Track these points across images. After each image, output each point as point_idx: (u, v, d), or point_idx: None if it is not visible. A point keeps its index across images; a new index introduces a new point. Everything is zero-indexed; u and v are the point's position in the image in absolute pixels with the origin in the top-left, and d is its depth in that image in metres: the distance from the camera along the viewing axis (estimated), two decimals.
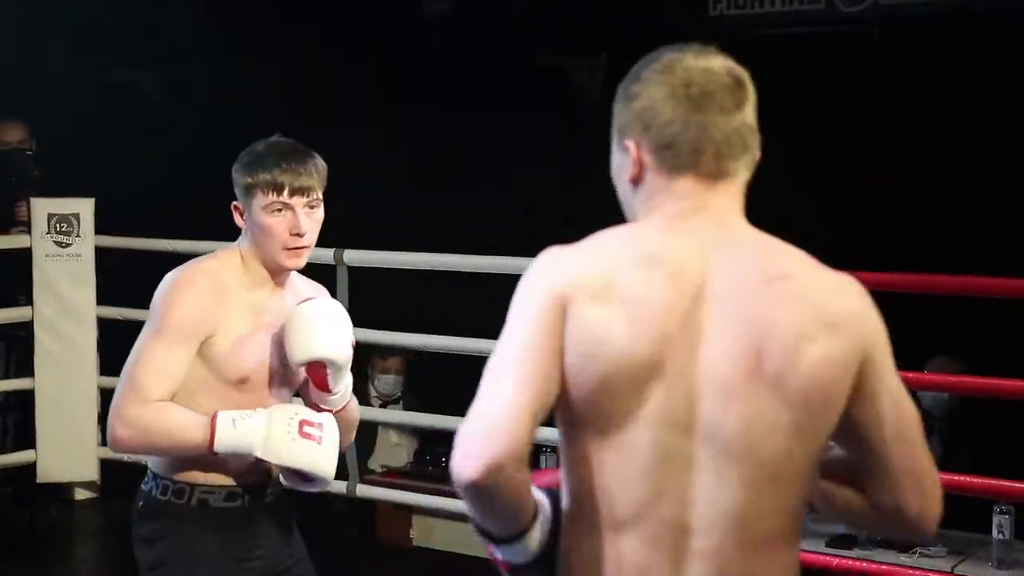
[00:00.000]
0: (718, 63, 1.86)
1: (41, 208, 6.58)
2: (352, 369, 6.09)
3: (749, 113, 1.85)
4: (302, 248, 3.06)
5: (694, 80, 1.82)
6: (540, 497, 1.88)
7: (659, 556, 1.79)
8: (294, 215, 2.99)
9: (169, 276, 3.04)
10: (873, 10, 7.29)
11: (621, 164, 1.91)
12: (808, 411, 1.76)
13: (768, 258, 1.83)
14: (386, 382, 6.70)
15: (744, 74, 1.87)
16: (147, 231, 6.64)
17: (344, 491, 6.24)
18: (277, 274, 3.11)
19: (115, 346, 5.16)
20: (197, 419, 2.88)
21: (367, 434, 6.54)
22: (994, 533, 5.05)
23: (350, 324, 3.20)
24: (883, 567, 5.04)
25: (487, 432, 1.71)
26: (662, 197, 1.85)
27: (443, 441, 6.51)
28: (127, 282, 6.39)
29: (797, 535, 1.89)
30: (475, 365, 5.92)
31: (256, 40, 8.03)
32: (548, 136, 7.76)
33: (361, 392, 6.41)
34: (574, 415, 1.80)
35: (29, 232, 6.63)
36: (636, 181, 1.88)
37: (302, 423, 2.97)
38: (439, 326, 6.09)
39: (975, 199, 6.79)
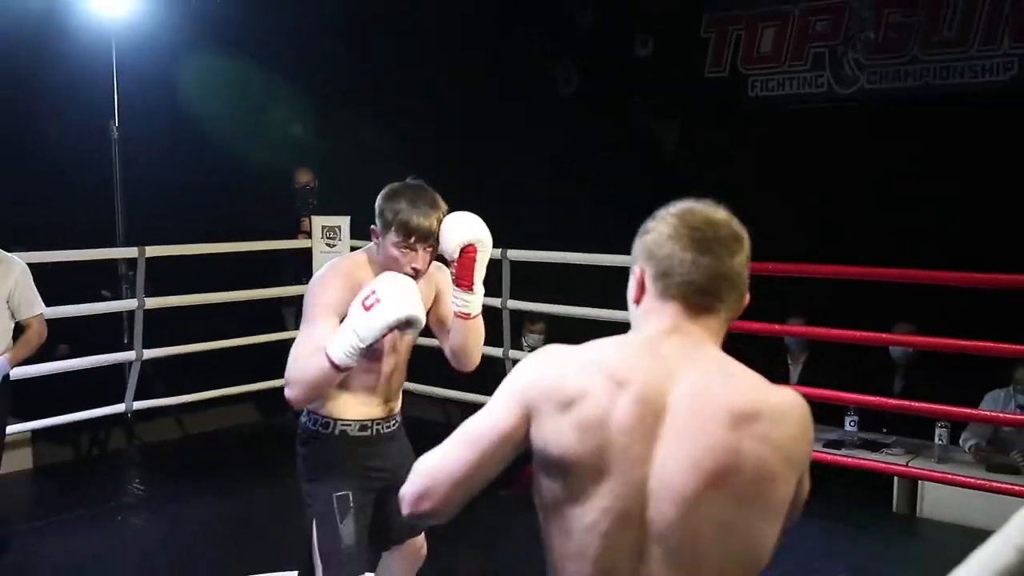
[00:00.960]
0: (722, 216, 1.61)
1: (318, 222, 6.86)
2: (514, 327, 6.34)
3: (740, 262, 1.58)
4: (418, 278, 2.73)
5: (698, 226, 1.57)
6: None
7: None
8: (415, 255, 2.72)
9: (316, 275, 2.85)
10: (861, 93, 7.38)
11: (630, 285, 1.63)
12: (763, 522, 1.50)
13: (735, 391, 1.51)
14: (534, 339, 6.65)
15: (742, 229, 1.61)
16: None
17: None
18: None
19: None
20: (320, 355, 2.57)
21: None
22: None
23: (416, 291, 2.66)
24: (861, 461, 5.15)
25: (428, 492, 1.58)
26: (652, 317, 1.58)
27: None
28: None
29: None
30: (596, 327, 6.12)
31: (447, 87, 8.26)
32: (639, 177, 7.91)
33: (515, 342, 6.61)
34: (542, 499, 1.56)
35: (310, 237, 6.92)
36: (637, 300, 1.61)
37: (362, 303, 2.57)
38: (571, 300, 6.21)
39: None
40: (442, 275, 2.97)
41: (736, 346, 1.68)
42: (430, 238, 2.74)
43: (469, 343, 2.96)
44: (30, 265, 6.25)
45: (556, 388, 1.52)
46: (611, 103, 8.34)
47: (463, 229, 2.74)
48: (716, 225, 1.58)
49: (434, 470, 1.59)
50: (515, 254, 6.19)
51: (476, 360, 3.01)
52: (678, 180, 7.92)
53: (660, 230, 1.59)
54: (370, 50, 8.17)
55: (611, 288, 6.32)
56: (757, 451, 1.47)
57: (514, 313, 6.39)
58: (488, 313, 6.11)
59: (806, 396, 4.81)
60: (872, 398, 5.15)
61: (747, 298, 1.63)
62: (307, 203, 7.27)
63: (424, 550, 3.22)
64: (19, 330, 4.28)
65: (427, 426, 3.76)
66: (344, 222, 6.81)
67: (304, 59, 7.90)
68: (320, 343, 2.61)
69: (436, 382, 6.26)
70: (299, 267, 6.94)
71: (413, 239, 2.70)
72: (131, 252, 6.10)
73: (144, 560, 4.56)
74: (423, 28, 8.23)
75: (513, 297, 6.28)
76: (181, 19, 6.94)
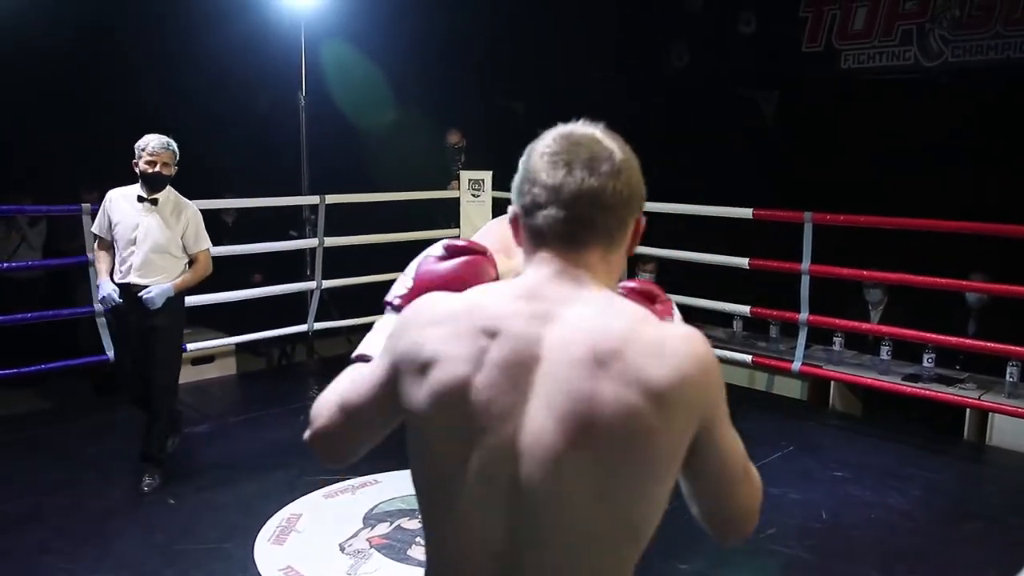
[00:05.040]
0: (589, 135, 1.16)
1: (464, 176, 6.83)
2: (628, 267, 6.23)
3: (612, 182, 1.13)
4: None
5: (557, 151, 1.14)
6: None
7: None
8: None
9: (499, 219, 2.67)
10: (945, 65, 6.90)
11: (511, 226, 1.22)
12: (639, 478, 1.07)
13: (604, 333, 1.08)
14: (644, 277, 6.40)
15: (615, 144, 1.16)
16: None
17: None
18: None
19: None
20: None
21: None
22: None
23: None
24: (937, 394, 4.93)
25: (314, 417, 1.25)
26: (531, 260, 1.17)
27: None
28: None
29: None
30: (698, 268, 5.93)
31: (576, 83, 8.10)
32: (741, 141, 7.62)
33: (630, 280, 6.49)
34: (417, 471, 1.18)
35: (458, 189, 6.89)
36: (519, 243, 1.19)
37: None
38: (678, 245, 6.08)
39: None
40: None
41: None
42: None
43: None
44: (234, 210, 6.55)
45: (417, 350, 1.13)
46: (717, 75, 8.07)
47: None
48: (577, 146, 1.14)
49: (320, 398, 1.27)
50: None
51: None
52: (776, 143, 7.64)
53: (523, 165, 1.18)
54: (508, 32, 8.08)
55: (714, 235, 6.14)
56: (618, 394, 1.05)
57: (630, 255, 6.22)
58: None
59: (889, 335, 4.57)
60: (950, 338, 4.96)
61: (640, 222, 1.20)
62: (456, 160, 7.22)
63: None
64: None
65: None
66: (487, 176, 6.75)
67: (457, 44, 7.85)
68: None
69: None
70: (448, 213, 6.92)
71: None
72: (313, 199, 6.21)
73: None
74: (554, 13, 8.08)
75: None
76: (357, 8, 6.94)
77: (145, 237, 3.92)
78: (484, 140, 7.52)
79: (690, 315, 6.55)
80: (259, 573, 3.29)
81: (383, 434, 1.26)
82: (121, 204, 3.96)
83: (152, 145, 3.89)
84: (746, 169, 7.23)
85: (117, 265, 3.97)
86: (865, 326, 5.42)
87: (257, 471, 4.37)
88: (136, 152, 3.91)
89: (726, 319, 6.25)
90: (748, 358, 5.67)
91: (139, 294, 3.90)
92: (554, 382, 1.07)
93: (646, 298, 1.26)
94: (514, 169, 1.19)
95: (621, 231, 1.17)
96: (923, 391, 4.97)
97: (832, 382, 5.43)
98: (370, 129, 7.43)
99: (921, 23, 7.05)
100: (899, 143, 6.79)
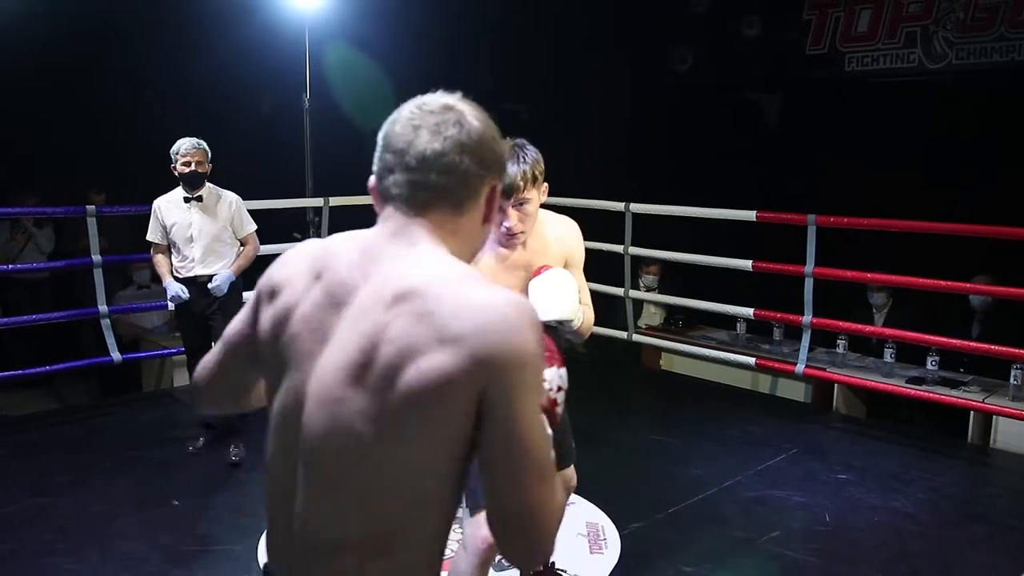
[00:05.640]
0: (439, 101, 1.17)
1: None
2: (632, 270, 6.22)
3: (455, 144, 1.12)
4: (515, 236, 2.28)
5: (401, 116, 1.16)
6: None
7: (282, 539, 1.17)
8: (503, 214, 2.23)
9: None
10: (949, 67, 6.89)
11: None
12: (410, 422, 1.03)
13: (411, 276, 1.07)
14: (649, 279, 6.45)
15: (463, 109, 1.16)
16: None
17: (625, 338, 6.28)
18: (505, 245, 2.32)
19: None
20: None
21: (638, 306, 6.53)
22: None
23: (573, 286, 2.24)
24: (942, 397, 4.92)
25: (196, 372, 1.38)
26: (378, 219, 1.17)
27: (679, 311, 6.55)
28: None
29: (405, 544, 1.09)
30: (702, 270, 5.90)
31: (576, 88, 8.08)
32: (745, 143, 7.61)
33: (634, 283, 6.48)
34: None
35: None
36: (376, 207, 1.18)
37: None
38: (681, 247, 6.06)
39: None
40: (573, 246, 2.46)
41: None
42: (512, 194, 2.22)
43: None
44: None
45: (269, 277, 1.21)
46: (722, 78, 8.04)
47: (552, 308, 2.18)
48: (428, 113, 1.14)
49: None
50: (636, 207, 6.04)
51: (584, 336, 2.40)
52: (780, 145, 7.63)
53: (380, 134, 1.19)
54: (511, 36, 8.08)
55: (717, 238, 6.13)
56: (405, 327, 1.03)
57: (633, 258, 6.22)
58: (610, 257, 5.98)
59: (893, 337, 4.56)
60: (954, 340, 4.95)
61: (495, 190, 1.17)
62: None
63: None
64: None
65: None
66: None
67: (461, 47, 7.84)
68: None
69: None
70: None
71: None
72: (317, 202, 6.25)
73: None
74: (557, 16, 8.09)
75: (633, 244, 6.11)
76: (361, 11, 6.95)
77: (200, 233, 4.33)
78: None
79: (694, 317, 6.59)
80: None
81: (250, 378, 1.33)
82: (171, 208, 4.33)
83: (184, 147, 4.26)
84: (750, 171, 7.22)
85: (177, 263, 4.36)
86: (869, 328, 5.41)
87: (261, 472, 4.36)
88: (172, 157, 4.26)
89: (730, 321, 6.24)
90: (752, 361, 5.67)
91: (207, 284, 4.34)
92: (352, 324, 1.08)
93: None
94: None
95: (469, 196, 1.15)
96: (927, 394, 4.96)
97: (836, 385, 5.42)
98: (374, 131, 7.39)
99: (925, 25, 7.04)
100: (903, 145, 6.78)
